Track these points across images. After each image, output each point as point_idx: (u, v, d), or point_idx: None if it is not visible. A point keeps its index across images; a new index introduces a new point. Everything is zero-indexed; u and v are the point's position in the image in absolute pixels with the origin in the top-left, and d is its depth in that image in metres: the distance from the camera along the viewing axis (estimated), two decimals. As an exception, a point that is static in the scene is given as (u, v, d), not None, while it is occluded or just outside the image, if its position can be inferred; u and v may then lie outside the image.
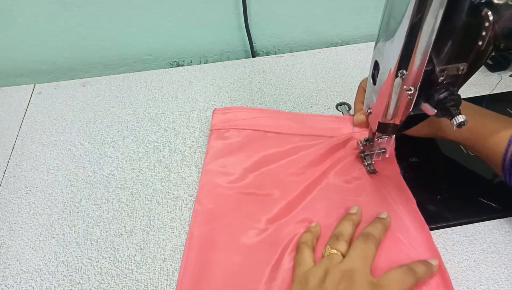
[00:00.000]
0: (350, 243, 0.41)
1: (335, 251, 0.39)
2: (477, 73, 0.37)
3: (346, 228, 0.42)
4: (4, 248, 0.46)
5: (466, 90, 0.59)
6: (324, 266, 0.38)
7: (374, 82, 0.40)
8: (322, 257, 0.40)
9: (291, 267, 0.41)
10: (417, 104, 0.38)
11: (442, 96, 0.36)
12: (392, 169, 0.49)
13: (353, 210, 0.44)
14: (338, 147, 0.51)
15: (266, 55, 0.74)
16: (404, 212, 0.45)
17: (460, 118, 0.34)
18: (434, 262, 0.39)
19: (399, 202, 0.46)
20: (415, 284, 0.37)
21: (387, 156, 0.49)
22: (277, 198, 0.47)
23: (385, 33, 0.36)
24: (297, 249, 0.42)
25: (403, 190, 0.47)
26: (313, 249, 0.42)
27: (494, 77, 0.61)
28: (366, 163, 0.49)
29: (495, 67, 0.62)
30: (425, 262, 0.39)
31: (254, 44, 0.71)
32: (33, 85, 0.67)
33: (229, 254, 0.43)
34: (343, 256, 0.39)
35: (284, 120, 0.55)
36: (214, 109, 0.57)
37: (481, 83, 0.60)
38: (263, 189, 0.48)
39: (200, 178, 0.50)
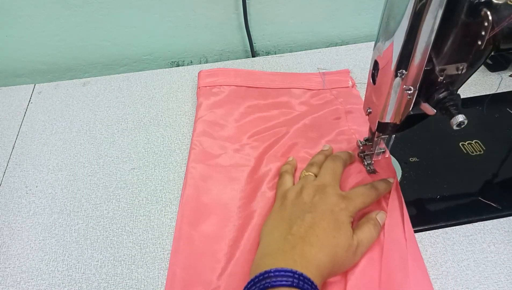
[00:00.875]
0: None
1: (309, 173, 0.46)
2: (476, 73, 0.37)
3: (319, 158, 0.49)
4: (4, 248, 0.46)
5: (466, 90, 0.59)
6: (300, 184, 0.44)
7: (374, 82, 0.40)
8: (299, 179, 0.47)
9: (272, 195, 0.48)
10: (416, 103, 0.38)
11: (441, 95, 0.36)
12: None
13: (325, 147, 0.52)
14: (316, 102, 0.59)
15: (266, 55, 0.74)
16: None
17: (460, 118, 0.34)
18: (392, 180, 0.46)
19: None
20: (376, 198, 0.44)
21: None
22: (262, 141, 0.55)
23: (384, 33, 0.36)
24: (279, 176, 0.49)
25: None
26: (293, 176, 0.48)
27: (494, 77, 0.61)
28: (365, 163, 0.50)
29: (494, 67, 0.62)
30: (385, 180, 0.46)
31: (254, 44, 0.71)
32: (33, 85, 0.67)
33: (223, 186, 0.50)
34: (316, 177, 0.45)
35: (264, 77, 0.63)
36: (200, 71, 0.63)
37: (481, 83, 0.60)
38: (251, 137, 0.55)
39: (194, 126, 0.56)
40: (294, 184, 0.47)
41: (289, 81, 0.62)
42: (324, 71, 0.63)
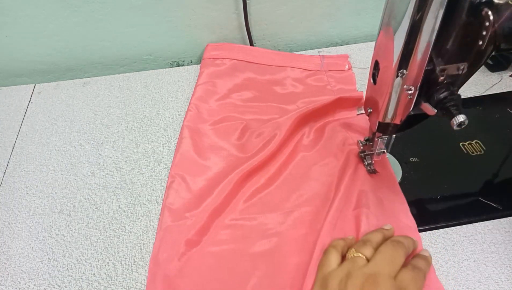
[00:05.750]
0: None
1: (360, 254, 0.37)
2: (477, 73, 0.36)
3: (376, 236, 0.40)
4: (5, 248, 0.46)
5: (466, 90, 0.59)
6: (346, 269, 0.36)
7: (375, 82, 0.40)
8: (346, 259, 0.38)
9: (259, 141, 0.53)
10: (417, 104, 0.38)
11: (442, 96, 0.36)
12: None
13: (387, 227, 0.42)
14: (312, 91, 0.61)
15: (266, 55, 0.74)
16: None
17: (461, 118, 0.34)
18: (428, 254, 0.40)
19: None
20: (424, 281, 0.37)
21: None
22: (255, 110, 0.58)
23: (385, 33, 0.36)
24: (325, 251, 0.40)
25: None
26: (342, 256, 0.39)
27: (494, 77, 0.61)
28: (366, 163, 0.50)
29: (495, 67, 0.62)
30: (422, 257, 0.39)
31: (254, 44, 0.71)
32: (33, 85, 0.67)
33: (214, 144, 0.54)
34: (368, 261, 0.37)
35: (265, 55, 0.66)
36: (207, 44, 0.68)
37: (481, 83, 0.60)
38: (244, 105, 0.60)
39: (194, 91, 0.61)
40: (339, 264, 0.39)
41: (288, 60, 0.66)
42: (325, 54, 0.66)
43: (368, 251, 0.37)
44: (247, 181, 0.50)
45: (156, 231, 0.46)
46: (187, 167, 0.51)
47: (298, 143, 0.54)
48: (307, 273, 0.40)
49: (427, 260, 0.39)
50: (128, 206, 0.50)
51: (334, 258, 0.38)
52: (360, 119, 0.55)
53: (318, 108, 0.55)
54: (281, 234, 0.45)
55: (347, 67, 0.64)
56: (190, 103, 0.59)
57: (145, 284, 0.43)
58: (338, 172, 0.49)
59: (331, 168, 0.50)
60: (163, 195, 0.50)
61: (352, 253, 0.38)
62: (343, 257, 0.39)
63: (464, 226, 0.45)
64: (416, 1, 0.30)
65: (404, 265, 0.37)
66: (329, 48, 0.70)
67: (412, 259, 0.39)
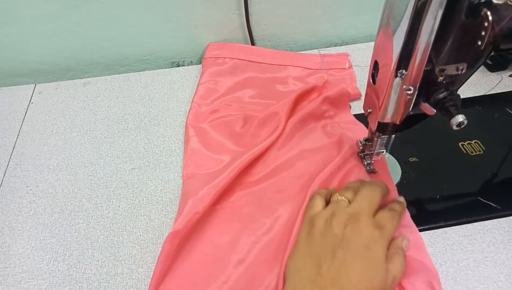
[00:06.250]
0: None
1: (343, 197, 0.42)
2: (476, 73, 0.37)
3: (356, 184, 0.45)
4: (5, 248, 0.47)
5: (466, 90, 0.59)
6: (331, 210, 0.41)
7: (374, 82, 0.40)
8: (330, 203, 0.43)
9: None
10: (416, 104, 0.38)
11: (441, 96, 0.36)
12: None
13: (366, 179, 0.47)
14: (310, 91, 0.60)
15: (266, 55, 0.74)
16: None
17: (460, 118, 0.34)
18: (402, 199, 0.45)
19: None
20: (400, 221, 0.42)
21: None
22: (254, 106, 0.60)
23: (384, 33, 0.36)
24: (311, 197, 0.44)
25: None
26: (326, 202, 0.44)
27: (494, 77, 0.61)
28: (365, 163, 0.50)
29: (494, 67, 0.62)
30: (396, 201, 0.44)
31: (254, 44, 0.71)
32: (33, 85, 0.67)
33: (219, 139, 0.55)
34: (349, 203, 0.41)
35: (266, 54, 0.67)
36: (208, 44, 0.69)
37: (480, 83, 0.61)
38: (241, 108, 0.60)
39: (196, 90, 0.61)
40: (324, 207, 0.43)
41: (289, 59, 0.66)
42: (325, 53, 0.67)
43: (349, 194, 0.42)
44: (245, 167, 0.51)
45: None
46: (200, 163, 0.52)
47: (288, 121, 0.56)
48: (295, 223, 0.43)
49: (402, 204, 0.44)
50: (129, 206, 0.50)
51: (319, 202, 0.43)
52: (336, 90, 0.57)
53: (308, 90, 0.58)
54: (270, 194, 0.48)
55: (347, 65, 0.64)
56: (192, 102, 0.59)
57: (146, 284, 0.43)
58: (325, 145, 0.53)
59: (312, 139, 0.54)
60: (163, 195, 0.50)
61: (336, 196, 0.42)
62: (327, 203, 0.43)
63: (463, 225, 0.45)
64: (415, 2, 0.31)
65: (382, 207, 0.42)
66: (328, 48, 0.70)
67: (389, 203, 0.43)
